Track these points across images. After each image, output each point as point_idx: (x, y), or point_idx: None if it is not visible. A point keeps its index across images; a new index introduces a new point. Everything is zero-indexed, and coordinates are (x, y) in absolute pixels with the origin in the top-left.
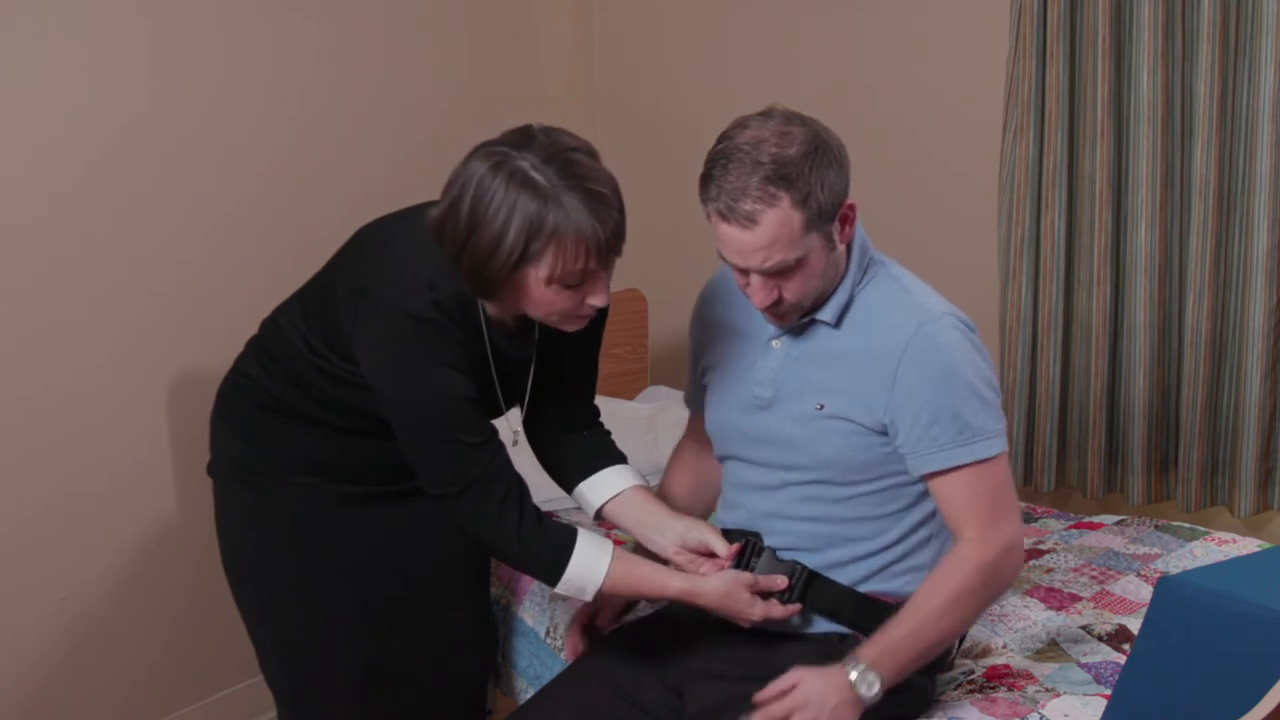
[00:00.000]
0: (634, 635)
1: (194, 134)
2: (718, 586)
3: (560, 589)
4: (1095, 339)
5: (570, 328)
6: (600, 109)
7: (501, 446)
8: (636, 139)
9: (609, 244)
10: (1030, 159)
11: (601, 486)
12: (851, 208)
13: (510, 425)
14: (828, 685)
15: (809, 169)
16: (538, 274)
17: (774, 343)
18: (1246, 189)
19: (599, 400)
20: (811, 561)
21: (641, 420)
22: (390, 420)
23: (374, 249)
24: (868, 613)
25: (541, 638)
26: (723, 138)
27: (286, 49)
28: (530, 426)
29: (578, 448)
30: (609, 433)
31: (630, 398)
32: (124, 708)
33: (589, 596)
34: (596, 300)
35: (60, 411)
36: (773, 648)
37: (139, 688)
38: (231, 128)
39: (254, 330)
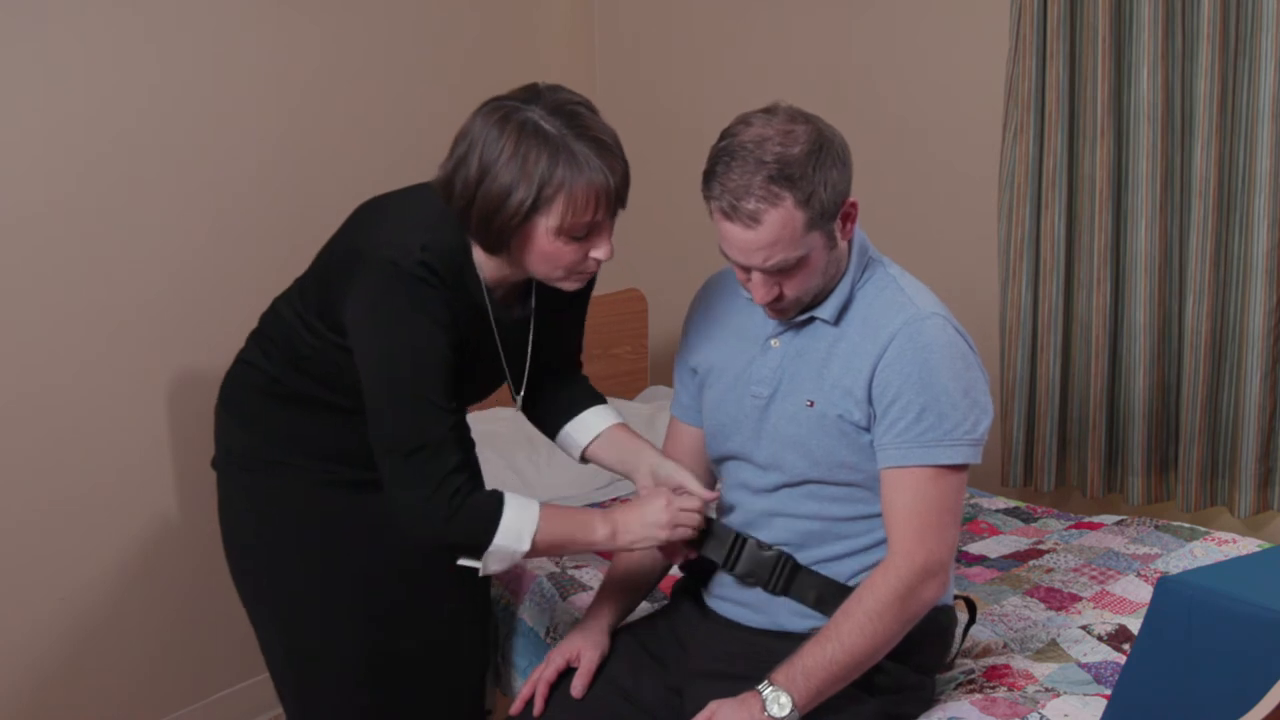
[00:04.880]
0: (634, 635)
1: (194, 133)
2: (629, 505)
3: (497, 543)
4: (1095, 339)
5: (570, 285)
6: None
7: (466, 424)
8: (636, 139)
9: (618, 193)
10: (1030, 159)
11: (583, 428)
12: (853, 205)
13: (510, 391)
14: (739, 711)
15: (812, 168)
16: (547, 224)
17: (773, 342)
18: (1246, 189)
19: None
20: (808, 557)
21: (641, 420)
22: (363, 376)
23: (369, 218)
24: None
25: (541, 638)
26: (726, 134)
27: (286, 49)
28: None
29: (557, 394)
30: (586, 378)
31: (630, 398)
32: (124, 707)
33: (525, 545)
34: (600, 253)
35: (60, 411)
36: (772, 646)
37: (139, 687)
38: (231, 127)
39: (254, 327)
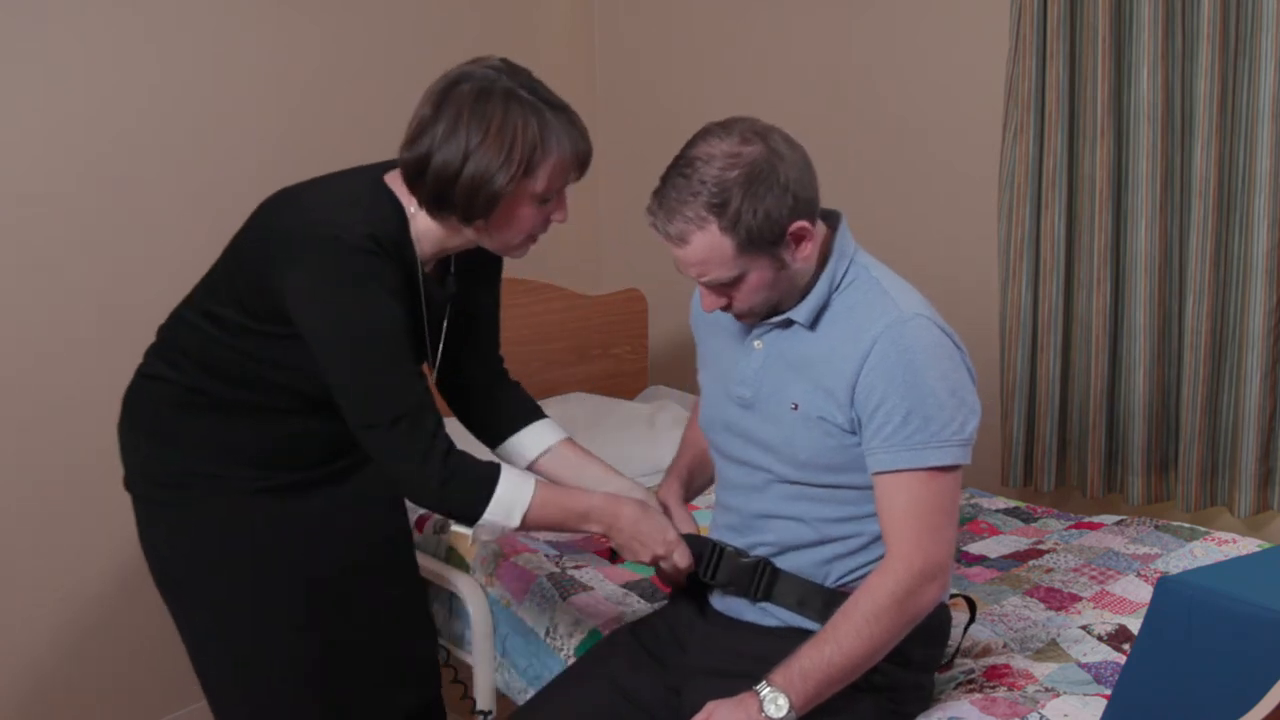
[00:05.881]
0: (634, 635)
1: (194, 133)
2: (634, 508)
3: (486, 518)
4: (1095, 339)
5: (519, 253)
6: (600, 109)
7: (426, 385)
8: (636, 139)
9: (590, 158)
10: (1030, 159)
11: (532, 441)
12: (803, 229)
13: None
14: (736, 711)
15: (743, 195)
16: (533, 189)
17: (756, 343)
18: (1246, 189)
19: (597, 399)
20: (799, 559)
21: (641, 420)
22: (323, 355)
23: (290, 205)
24: (836, 604)
25: (541, 638)
26: (685, 145)
27: (286, 49)
28: (448, 381)
29: (496, 403)
30: (518, 384)
31: (630, 398)
32: (123, 706)
33: (515, 522)
34: (559, 216)
35: (60, 410)
36: (771, 645)
37: (138, 686)
38: (231, 127)
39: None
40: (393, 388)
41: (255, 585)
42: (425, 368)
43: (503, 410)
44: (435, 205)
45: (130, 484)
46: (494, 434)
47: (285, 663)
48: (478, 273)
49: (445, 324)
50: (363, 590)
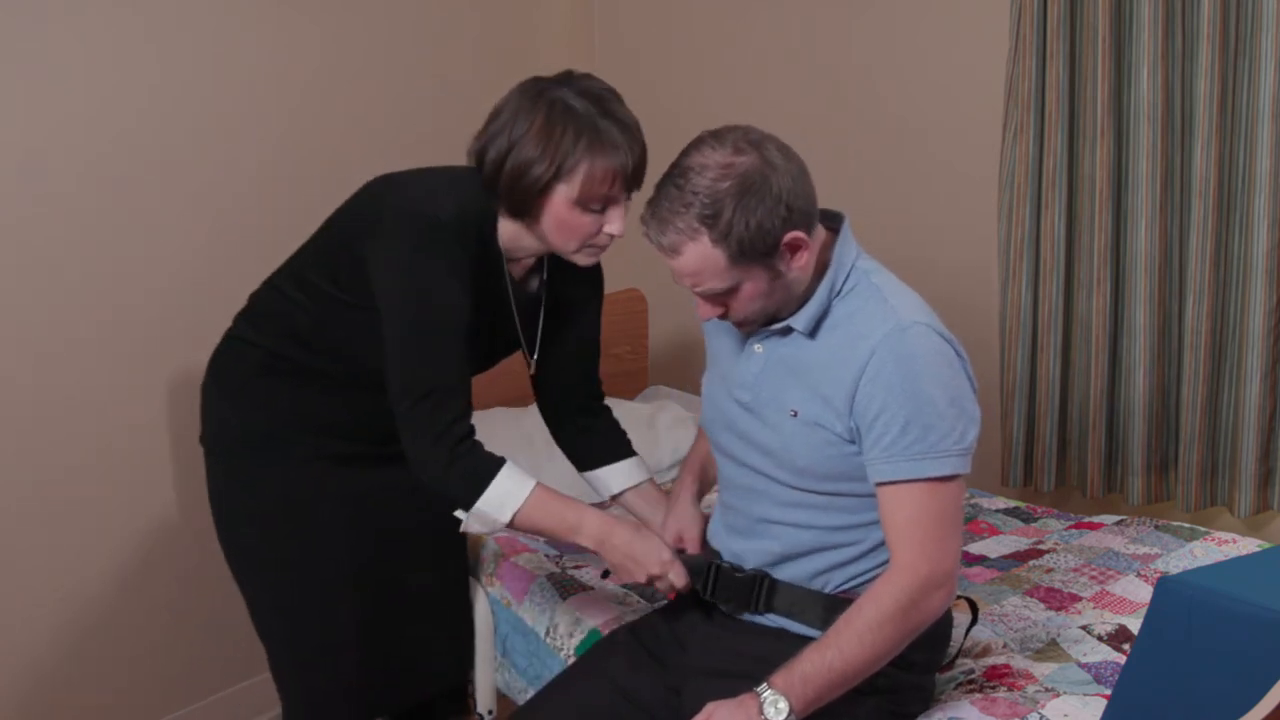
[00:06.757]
0: (634, 635)
1: (194, 134)
2: (627, 528)
3: (479, 507)
4: (1095, 339)
5: (583, 259)
6: None
7: (469, 373)
8: None
9: (635, 172)
10: (1030, 159)
11: (624, 474)
12: (799, 239)
13: (525, 359)
14: (737, 712)
15: (735, 207)
16: (568, 192)
17: (756, 347)
18: (1246, 189)
19: None
20: (800, 568)
21: (641, 420)
22: (385, 318)
23: (392, 186)
24: (837, 609)
25: (541, 638)
26: (679, 155)
27: (286, 49)
28: (545, 393)
29: (595, 431)
30: (616, 421)
31: (630, 397)
32: (123, 706)
33: (505, 518)
34: (613, 227)
35: (60, 410)
36: (772, 647)
37: (138, 686)
38: (231, 127)
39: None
40: (432, 363)
41: (305, 548)
42: (524, 359)
43: (597, 439)
44: (492, 196)
45: (205, 439)
46: (583, 459)
47: (328, 622)
48: (572, 294)
49: (540, 325)
50: (406, 569)
